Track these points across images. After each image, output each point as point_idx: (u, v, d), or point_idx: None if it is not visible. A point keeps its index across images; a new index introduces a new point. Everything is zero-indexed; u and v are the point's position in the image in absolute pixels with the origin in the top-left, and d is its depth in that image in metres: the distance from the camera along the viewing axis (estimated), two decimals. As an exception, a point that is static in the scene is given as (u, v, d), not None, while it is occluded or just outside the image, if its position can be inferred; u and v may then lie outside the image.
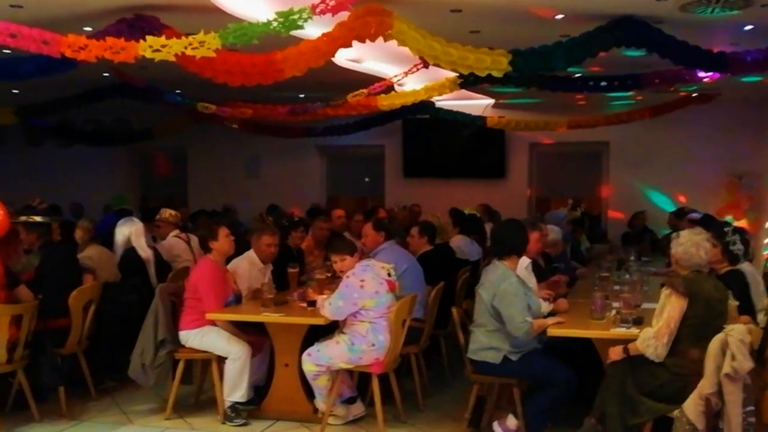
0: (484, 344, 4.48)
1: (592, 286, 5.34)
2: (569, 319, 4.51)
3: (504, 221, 5.74)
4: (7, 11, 4.99)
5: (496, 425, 4.58)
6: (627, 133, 10.32)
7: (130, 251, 6.06)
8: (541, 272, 5.45)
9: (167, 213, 6.99)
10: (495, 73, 5.32)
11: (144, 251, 6.08)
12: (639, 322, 4.29)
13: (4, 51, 5.97)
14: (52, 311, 5.09)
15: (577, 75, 7.47)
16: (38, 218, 5.43)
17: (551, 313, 4.67)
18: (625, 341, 4.03)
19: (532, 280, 5.03)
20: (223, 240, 5.20)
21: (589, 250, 8.77)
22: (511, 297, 4.36)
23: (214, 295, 5.02)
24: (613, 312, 4.49)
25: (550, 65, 5.57)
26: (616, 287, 5.50)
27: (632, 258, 6.81)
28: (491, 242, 5.00)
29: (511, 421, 4.53)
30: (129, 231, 6.10)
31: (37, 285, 5.09)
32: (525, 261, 5.03)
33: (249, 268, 5.57)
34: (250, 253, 5.64)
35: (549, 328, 4.35)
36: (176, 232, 6.93)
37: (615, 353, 4.00)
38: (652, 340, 3.83)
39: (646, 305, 4.76)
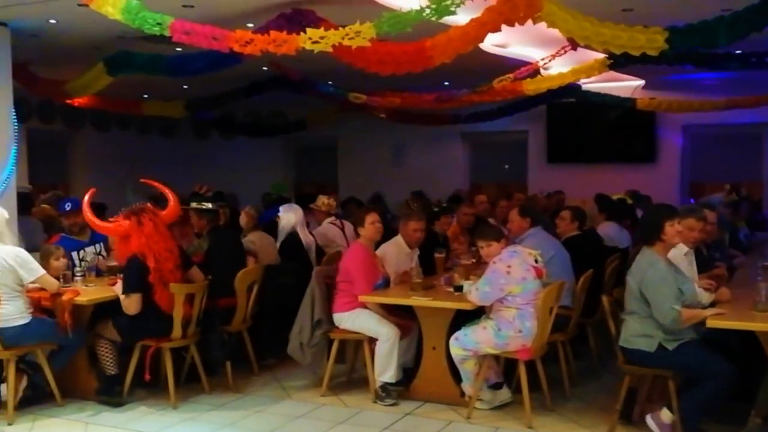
0: (638, 331, 4.33)
1: (755, 276, 5.03)
2: (730, 311, 4.27)
3: (651, 206, 5.51)
4: (180, 11, 5.39)
5: (649, 419, 4.41)
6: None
7: (292, 236, 6.41)
8: (702, 261, 5.18)
9: (323, 201, 7.30)
10: (650, 52, 5.09)
11: (306, 237, 6.43)
12: (810, 314, 4.01)
13: (176, 50, 6.49)
14: (220, 291, 5.43)
15: (737, 52, 7.02)
16: (209, 205, 5.80)
17: (712, 304, 4.45)
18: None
19: (692, 270, 4.80)
20: (369, 227, 5.37)
21: (749, 237, 8.23)
22: (658, 283, 4.20)
23: (363, 278, 5.20)
24: (780, 304, 4.21)
25: (710, 42, 5.25)
26: (783, 277, 5.14)
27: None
28: (639, 228, 4.83)
29: (666, 415, 4.34)
30: (294, 217, 6.46)
31: (206, 267, 5.46)
32: (683, 248, 4.80)
33: (396, 252, 5.70)
34: (398, 239, 5.78)
35: (708, 320, 4.14)
36: (331, 218, 7.24)
37: None
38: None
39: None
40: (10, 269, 4.71)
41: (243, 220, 6.31)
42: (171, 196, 5.32)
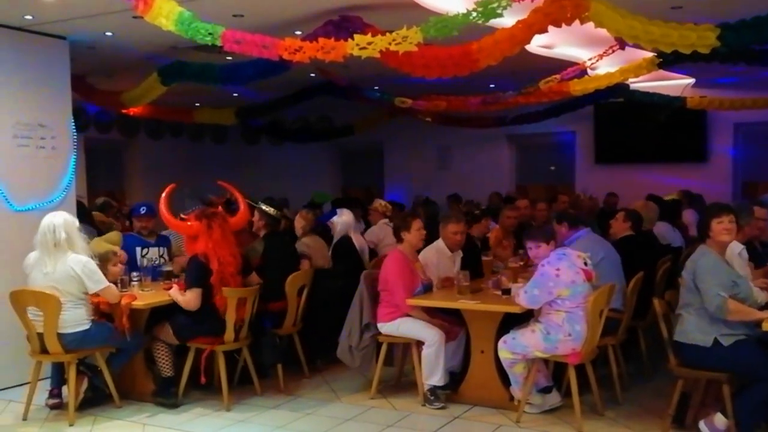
0: (694, 325, 4.28)
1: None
2: (787, 312, 4.19)
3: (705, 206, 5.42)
4: (230, 20, 5.49)
5: (702, 424, 4.35)
6: None
7: (345, 239, 6.51)
8: (758, 258, 5.08)
9: (379, 203, 7.84)
10: (701, 50, 4.99)
11: (359, 240, 6.58)
12: None
13: (227, 58, 6.62)
14: (272, 295, 5.54)
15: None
16: (272, 211, 5.96)
17: (769, 305, 4.37)
18: None
19: (746, 268, 4.71)
20: (414, 233, 5.37)
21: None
22: (707, 270, 4.20)
23: (402, 287, 5.18)
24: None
25: (764, 38, 5.13)
26: None
27: None
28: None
29: (720, 420, 4.27)
30: (347, 220, 6.59)
31: (260, 270, 5.58)
32: (737, 246, 4.73)
33: (437, 257, 5.69)
34: (438, 243, 5.77)
35: (765, 322, 4.06)
36: (385, 220, 7.63)
37: None
38: None
39: None
40: (77, 278, 4.85)
41: (299, 223, 6.47)
42: (243, 204, 5.48)
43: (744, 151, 11.06)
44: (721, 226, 4.29)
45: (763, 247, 5.44)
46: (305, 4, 5.47)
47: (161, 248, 6.17)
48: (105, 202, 8.50)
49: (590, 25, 4.78)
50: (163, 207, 5.42)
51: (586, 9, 4.57)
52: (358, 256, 6.56)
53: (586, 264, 4.76)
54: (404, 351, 5.64)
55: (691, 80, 9.74)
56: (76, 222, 5.07)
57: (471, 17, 4.21)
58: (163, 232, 6.50)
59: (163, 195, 5.48)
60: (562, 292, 4.65)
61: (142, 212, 6.12)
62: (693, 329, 4.30)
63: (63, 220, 4.89)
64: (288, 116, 12.52)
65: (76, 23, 5.93)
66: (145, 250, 6.06)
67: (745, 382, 4.27)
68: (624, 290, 5.31)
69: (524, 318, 4.95)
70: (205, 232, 5.11)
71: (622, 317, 5.27)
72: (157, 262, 6.06)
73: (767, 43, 5.80)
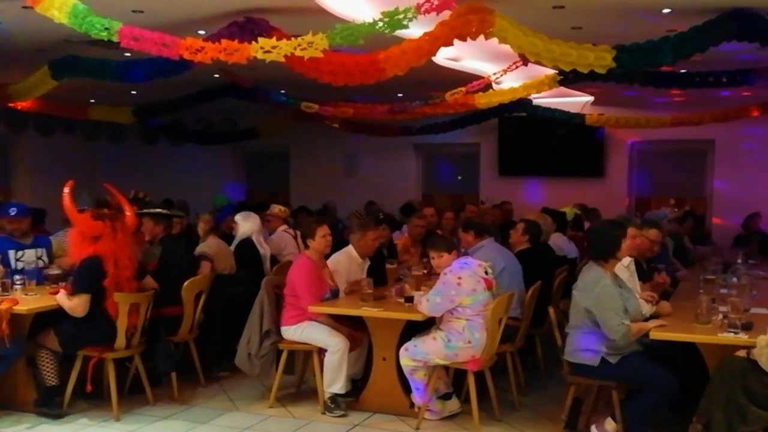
0: (581, 346, 4.41)
1: (697, 289, 5.17)
2: (672, 323, 4.39)
3: (598, 221, 5.63)
4: (129, 16, 5.31)
5: (593, 429, 4.52)
6: (735, 130, 9.90)
7: (246, 243, 6.36)
8: (642, 273, 5.32)
9: (277, 208, 7.41)
10: (598, 69, 5.22)
11: (262, 246, 6.42)
12: (748, 327, 4.12)
13: (125, 54, 6.37)
14: (167, 299, 5.36)
15: (682, 71, 7.24)
16: (164, 211, 5.77)
17: (653, 316, 4.56)
18: (733, 347, 3.91)
19: (634, 281, 4.92)
20: (319, 239, 5.32)
21: (691, 251, 8.47)
22: (606, 300, 4.26)
23: (309, 293, 5.14)
24: (720, 316, 4.32)
25: (656, 61, 5.40)
26: (723, 290, 5.29)
27: (739, 261, 6.54)
28: (586, 242, 4.93)
29: (610, 425, 4.45)
30: (252, 225, 6.44)
31: (157, 275, 5.39)
32: (626, 260, 4.92)
33: (348, 263, 5.69)
34: (349, 249, 5.76)
35: (651, 332, 4.25)
36: (284, 227, 7.31)
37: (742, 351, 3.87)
38: (766, 348, 3.68)
39: (755, 310, 4.58)
40: None
41: (200, 226, 6.27)
42: (128, 208, 5.28)
43: (638, 167, 11.62)
44: (626, 243, 4.44)
45: (648, 263, 5.70)
46: (209, 3, 5.35)
47: (39, 249, 5.81)
48: None
49: (495, 40, 4.90)
50: (67, 201, 5.11)
51: (491, 25, 4.69)
52: (261, 262, 6.43)
53: (487, 273, 4.84)
54: (305, 358, 5.57)
55: (590, 98, 10.15)
56: None
57: (377, 27, 4.23)
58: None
59: (67, 189, 5.16)
60: (464, 300, 4.71)
61: (12, 214, 5.72)
62: (580, 350, 4.42)
63: None
64: (190, 117, 12.19)
65: (-40, 9, 5.57)
66: (20, 253, 5.69)
67: (633, 388, 4.45)
68: (523, 299, 5.44)
69: (426, 326, 4.99)
70: (110, 233, 4.93)
71: (520, 325, 5.40)
72: (34, 266, 5.70)
73: (659, 66, 6.11)
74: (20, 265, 5.62)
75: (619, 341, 4.24)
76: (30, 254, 5.74)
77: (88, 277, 4.86)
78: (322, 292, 5.26)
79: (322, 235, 5.33)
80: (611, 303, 4.26)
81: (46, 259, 5.83)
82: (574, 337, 4.47)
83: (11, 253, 5.64)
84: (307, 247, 5.43)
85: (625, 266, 4.92)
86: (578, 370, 4.50)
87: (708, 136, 10.43)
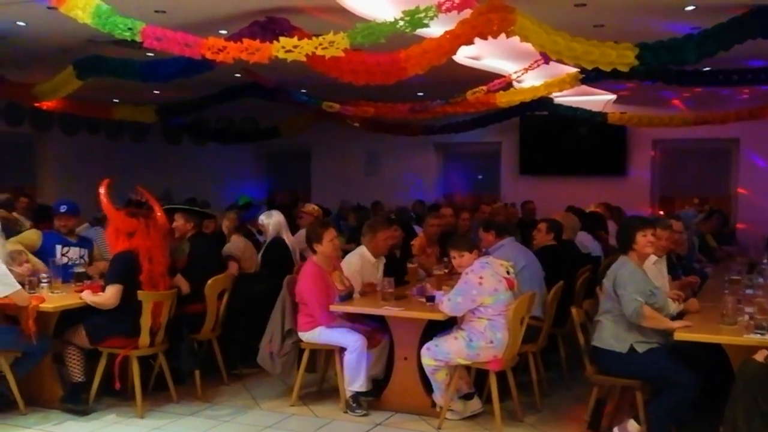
0: (610, 331, 4.43)
1: (722, 290, 5.11)
2: (697, 323, 4.34)
3: (625, 218, 5.60)
4: (152, 16, 5.35)
5: (616, 430, 4.48)
6: (761, 129, 9.77)
7: (278, 240, 6.39)
8: (672, 267, 5.27)
9: (310, 207, 7.74)
10: (621, 68, 5.17)
11: (291, 240, 6.49)
12: (775, 328, 4.07)
13: (148, 54, 6.43)
14: (193, 297, 5.39)
15: (706, 69, 7.16)
16: (197, 208, 5.83)
17: (681, 314, 4.52)
18: (760, 350, 3.85)
19: (661, 278, 4.88)
20: (327, 244, 5.25)
21: (716, 250, 8.37)
22: (626, 277, 4.36)
23: (317, 301, 5.10)
24: (746, 317, 4.27)
25: (679, 59, 5.35)
26: (749, 291, 5.23)
27: (765, 261, 6.45)
28: (617, 239, 4.92)
29: (633, 426, 4.41)
30: (278, 221, 6.47)
31: (185, 272, 5.44)
32: (653, 258, 4.90)
33: (361, 263, 5.64)
34: (361, 249, 5.72)
35: (676, 333, 4.19)
36: None
37: (761, 356, 3.83)
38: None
39: (783, 311, 4.51)
40: None
41: (225, 224, 6.30)
42: (158, 208, 5.35)
43: (661, 166, 11.51)
44: (646, 239, 4.49)
45: (678, 260, 5.66)
46: (231, 3, 5.38)
47: (83, 249, 5.94)
48: (7, 199, 8.11)
49: (516, 39, 4.88)
50: (104, 198, 5.20)
51: (512, 23, 4.66)
52: (291, 257, 6.41)
53: (508, 272, 4.82)
54: (327, 357, 5.58)
55: (613, 96, 10.08)
56: None
57: (398, 26, 4.24)
58: (83, 234, 6.27)
59: (104, 186, 5.26)
60: (485, 300, 4.69)
61: (63, 210, 5.89)
62: (610, 335, 4.44)
63: None
64: (212, 116, 12.27)
65: (-14, 11, 5.66)
66: (65, 249, 5.83)
67: (656, 389, 4.42)
68: (544, 299, 5.41)
69: (447, 325, 4.98)
70: (144, 230, 5.03)
71: (543, 325, 5.36)
72: (77, 263, 5.81)
73: (682, 64, 6.05)
74: (64, 260, 5.75)
75: (630, 317, 4.29)
76: (74, 251, 5.88)
77: (121, 268, 4.95)
78: (331, 298, 5.20)
79: (329, 239, 5.25)
80: (633, 281, 4.35)
81: (87, 258, 5.95)
82: (603, 322, 4.50)
83: (58, 247, 5.78)
84: (314, 252, 5.33)
85: (652, 264, 4.90)
86: (604, 360, 4.48)
87: (733, 135, 10.31)
